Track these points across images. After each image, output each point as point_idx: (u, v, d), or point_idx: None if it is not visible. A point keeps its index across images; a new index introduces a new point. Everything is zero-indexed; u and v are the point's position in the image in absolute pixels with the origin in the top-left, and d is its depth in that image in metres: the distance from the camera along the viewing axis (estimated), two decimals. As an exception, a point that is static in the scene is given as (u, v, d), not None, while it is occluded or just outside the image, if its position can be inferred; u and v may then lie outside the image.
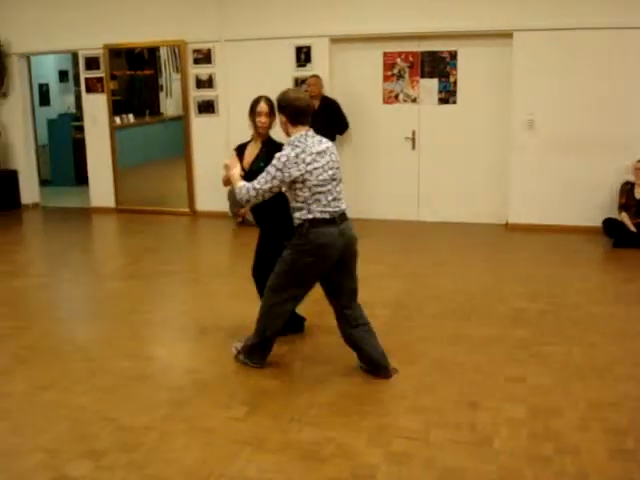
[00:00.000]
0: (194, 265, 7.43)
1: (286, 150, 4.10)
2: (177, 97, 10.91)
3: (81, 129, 10.84)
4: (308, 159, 4.05)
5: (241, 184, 4.21)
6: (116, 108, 10.21)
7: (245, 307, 5.23)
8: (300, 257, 4.16)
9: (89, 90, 9.97)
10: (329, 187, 4.13)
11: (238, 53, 9.07)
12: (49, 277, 7.01)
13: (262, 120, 4.65)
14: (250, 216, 8.70)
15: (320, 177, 4.08)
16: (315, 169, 4.06)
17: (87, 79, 9.94)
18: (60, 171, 12.38)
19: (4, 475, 3.34)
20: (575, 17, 7.82)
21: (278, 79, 8.67)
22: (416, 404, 3.97)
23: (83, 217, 9.91)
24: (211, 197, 9.36)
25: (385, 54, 8.80)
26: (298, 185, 4.07)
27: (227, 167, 4.47)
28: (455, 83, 8.63)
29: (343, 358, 4.57)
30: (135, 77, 12.76)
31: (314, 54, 8.83)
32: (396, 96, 8.85)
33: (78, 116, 12.12)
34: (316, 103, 8.61)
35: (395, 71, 8.82)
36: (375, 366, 4.35)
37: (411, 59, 8.72)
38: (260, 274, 4.75)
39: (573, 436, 3.57)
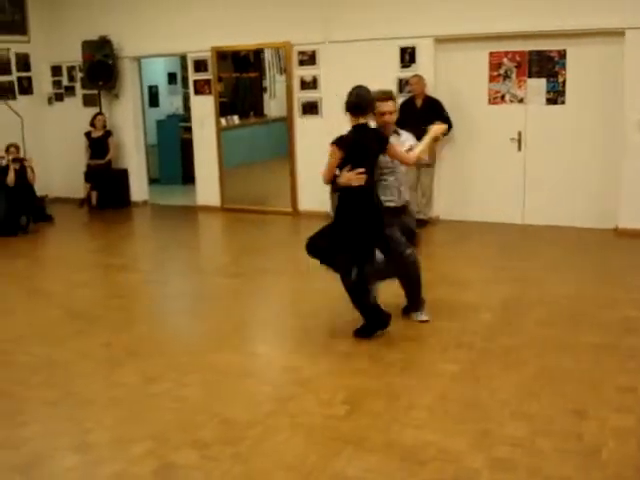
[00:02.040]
0: (296, 264, 7.51)
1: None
2: (281, 98, 11.09)
3: (189, 130, 11.15)
4: None
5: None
6: (222, 109, 10.45)
7: (344, 305, 5.25)
8: None
9: (197, 92, 10.25)
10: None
11: (342, 54, 9.11)
12: (157, 272, 7.27)
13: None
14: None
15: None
16: None
17: (195, 81, 10.22)
18: (168, 170, 12.77)
19: (115, 461, 3.48)
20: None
21: (382, 80, 8.65)
22: (520, 410, 3.89)
23: (189, 215, 10.20)
24: (313, 197, 9.43)
25: (491, 54, 8.63)
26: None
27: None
28: (564, 83, 8.38)
29: (443, 361, 4.53)
30: (240, 79, 13.06)
31: (418, 54, 8.77)
32: (502, 96, 8.68)
33: (186, 117, 12.49)
34: (419, 102, 8.58)
35: (501, 71, 8.65)
36: None
37: (518, 59, 8.53)
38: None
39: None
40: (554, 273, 6.62)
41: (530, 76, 8.53)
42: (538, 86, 8.50)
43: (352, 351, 4.73)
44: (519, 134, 8.62)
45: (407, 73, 8.78)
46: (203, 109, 10.21)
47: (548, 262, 7.03)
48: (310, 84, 9.41)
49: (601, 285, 6.24)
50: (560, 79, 8.39)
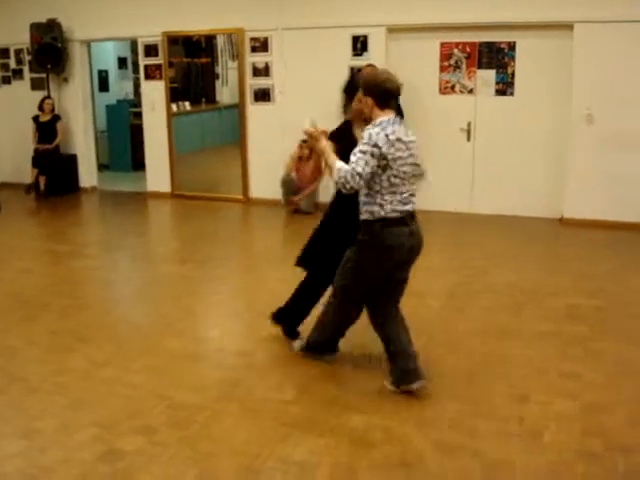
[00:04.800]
0: (246, 251, 7.51)
1: (374, 129, 3.74)
2: (233, 85, 11.04)
3: (139, 115, 11.02)
4: (397, 145, 3.72)
5: (340, 165, 3.69)
6: (173, 95, 10.35)
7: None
8: (366, 256, 3.92)
9: (148, 77, 10.12)
10: (406, 182, 3.82)
11: (295, 42, 9.09)
12: (105, 259, 7.19)
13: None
14: (304, 204, 8.75)
15: (401, 168, 3.76)
16: (400, 157, 3.75)
17: (146, 66, 10.09)
18: (118, 156, 12.61)
19: (60, 448, 3.45)
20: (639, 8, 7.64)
21: (334, 68, 8.72)
22: (465, 396, 3.96)
23: (139, 201, 10.08)
24: (265, 184, 9.42)
25: (442, 44, 8.71)
26: (379, 171, 3.72)
27: (313, 136, 3.95)
28: (513, 75, 8.51)
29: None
30: (192, 65, 12.95)
31: (371, 43, 8.81)
32: (452, 87, 8.78)
33: (136, 102, 12.33)
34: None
35: (452, 62, 8.74)
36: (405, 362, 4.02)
37: (468, 50, 8.63)
38: (311, 262, 4.56)
39: (625, 434, 3.53)
40: (500, 262, 6.74)
41: (480, 67, 8.64)
42: (487, 77, 8.62)
43: (302, 337, 4.75)
44: (468, 124, 8.74)
45: (359, 61, 8.80)
46: (154, 94, 10.09)
47: (495, 251, 7.15)
48: (262, 71, 9.36)
49: (546, 273, 6.38)
50: (509, 71, 8.52)
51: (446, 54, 8.72)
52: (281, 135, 9.09)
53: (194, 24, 9.59)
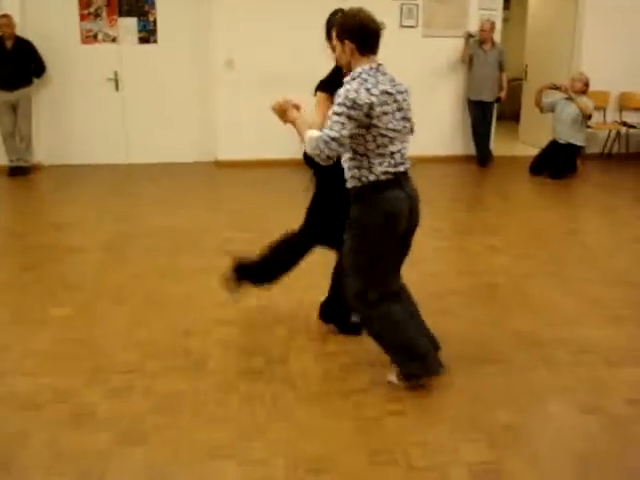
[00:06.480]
0: None
1: (352, 85, 3.16)
2: None
3: None
4: (381, 98, 3.17)
5: (311, 134, 3.21)
6: None
7: None
8: (366, 231, 3.32)
9: None
10: (396, 140, 3.27)
11: None
12: None
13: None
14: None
15: (390, 125, 3.21)
16: (385, 114, 3.19)
17: None
18: None
19: None
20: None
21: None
22: (131, 340, 4.04)
23: None
24: None
25: (74, -10, 8.45)
26: (361, 131, 3.18)
27: (280, 109, 3.44)
28: (155, 22, 8.56)
29: (53, 306, 4.51)
30: None
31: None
32: (95, 36, 8.57)
33: None
34: (9, 44, 8.06)
35: (92, 10, 8.51)
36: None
37: (107, -3, 8.48)
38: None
39: (280, 349, 3.91)
40: (159, 208, 6.90)
41: (121, 15, 8.54)
42: (130, 25, 8.56)
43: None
44: (115, 74, 8.64)
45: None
46: None
47: (153, 198, 7.29)
48: None
49: (203, 213, 6.68)
50: (151, 18, 8.55)
51: (85, 2, 8.46)
52: None
53: None
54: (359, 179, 3.28)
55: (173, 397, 3.42)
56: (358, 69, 3.22)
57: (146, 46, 8.61)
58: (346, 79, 3.24)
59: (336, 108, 3.13)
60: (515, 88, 10.99)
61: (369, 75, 3.19)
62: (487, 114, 9.07)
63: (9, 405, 3.38)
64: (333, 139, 3.10)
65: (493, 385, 3.54)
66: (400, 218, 3.30)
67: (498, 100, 9.11)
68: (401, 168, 3.30)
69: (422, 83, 8.73)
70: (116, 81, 8.65)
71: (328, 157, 3.15)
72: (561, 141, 8.43)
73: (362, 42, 3.21)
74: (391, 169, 3.26)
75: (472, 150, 9.20)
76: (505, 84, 9.00)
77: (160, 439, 3.05)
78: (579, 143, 8.44)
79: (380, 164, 3.23)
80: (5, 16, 8.02)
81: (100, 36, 8.58)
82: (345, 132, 3.11)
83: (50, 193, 7.75)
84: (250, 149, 8.70)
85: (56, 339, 4.08)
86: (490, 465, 2.88)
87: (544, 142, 8.73)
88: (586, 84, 8.39)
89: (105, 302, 4.57)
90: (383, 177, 3.25)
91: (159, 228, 6.18)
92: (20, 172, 8.34)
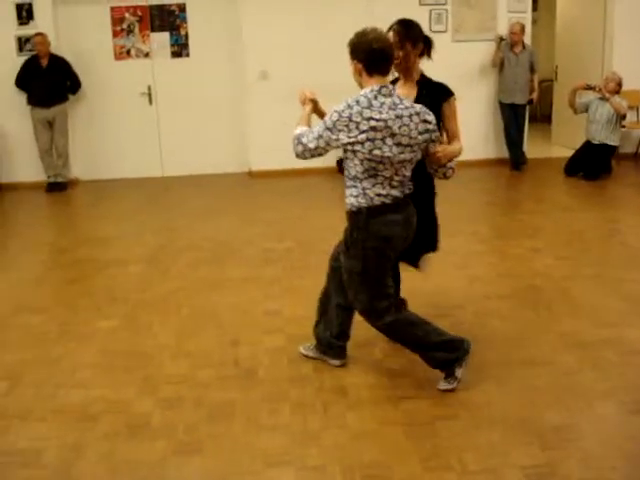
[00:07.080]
0: None
1: (340, 106, 3.19)
2: None
3: None
4: (364, 125, 3.12)
5: (299, 130, 3.36)
6: None
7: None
8: (363, 253, 3.35)
9: None
10: (389, 165, 3.21)
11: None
12: None
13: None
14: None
15: (375, 151, 3.15)
16: (369, 140, 3.13)
17: None
18: None
19: None
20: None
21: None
22: (180, 350, 4.09)
23: None
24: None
25: (112, 9, 8.59)
26: (349, 155, 3.23)
27: (303, 100, 3.59)
28: (187, 36, 8.67)
29: (100, 319, 4.58)
30: None
31: (36, 11, 8.37)
32: (128, 51, 8.71)
33: None
34: (44, 62, 8.22)
35: (124, 26, 8.65)
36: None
37: (139, 13, 8.60)
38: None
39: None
40: (196, 219, 6.97)
41: (153, 30, 8.67)
42: (162, 40, 8.68)
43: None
44: (149, 88, 8.76)
45: (27, 31, 8.33)
46: None
47: (190, 210, 7.36)
48: None
49: (241, 224, 6.74)
50: (182, 32, 8.66)
51: (117, 18, 8.60)
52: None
53: None
54: (355, 202, 3.30)
55: (225, 406, 3.46)
56: (362, 91, 3.23)
57: (178, 60, 8.72)
58: (348, 99, 3.22)
59: (326, 118, 3.23)
60: (546, 89, 10.94)
61: (367, 98, 3.17)
62: (519, 117, 9.03)
63: (64, 417, 3.44)
64: (302, 144, 3.27)
65: (541, 387, 3.54)
66: (396, 241, 3.35)
67: (530, 102, 9.08)
68: (396, 192, 3.29)
69: (453, 88, 8.65)
70: (149, 95, 8.76)
71: (296, 154, 3.31)
72: (595, 142, 8.37)
73: (369, 63, 3.20)
74: (384, 192, 3.25)
75: (505, 153, 9.14)
76: (536, 86, 8.98)
77: (215, 448, 3.09)
78: (614, 143, 8.37)
79: (372, 187, 3.24)
80: (40, 34, 8.18)
81: (133, 52, 8.71)
82: (319, 144, 3.23)
83: (88, 208, 7.87)
84: (283, 159, 8.69)
85: (105, 351, 4.14)
86: (544, 468, 2.87)
87: (577, 143, 8.67)
88: (619, 84, 8.33)
89: (151, 314, 4.64)
90: (377, 201, 3.25)
91: (199, 239, 6.24)
92: (58, 188, 8.47)
